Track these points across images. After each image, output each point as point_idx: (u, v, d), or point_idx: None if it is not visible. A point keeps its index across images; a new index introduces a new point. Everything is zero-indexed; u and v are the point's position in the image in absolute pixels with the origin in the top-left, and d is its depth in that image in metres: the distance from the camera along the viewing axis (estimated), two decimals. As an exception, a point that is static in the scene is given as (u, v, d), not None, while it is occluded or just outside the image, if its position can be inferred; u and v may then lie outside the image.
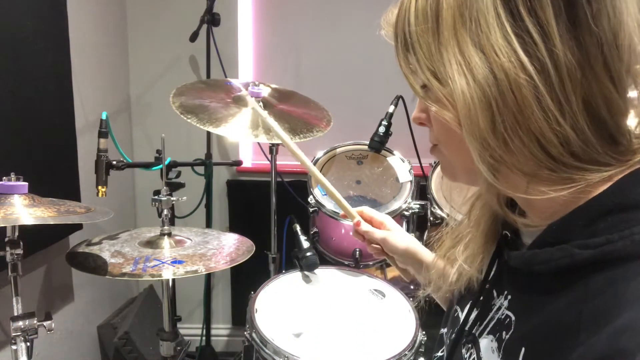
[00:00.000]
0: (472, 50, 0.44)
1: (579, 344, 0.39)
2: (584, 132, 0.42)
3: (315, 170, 1.00)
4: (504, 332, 0.50)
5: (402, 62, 0.52)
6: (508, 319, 0.51)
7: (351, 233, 1.01)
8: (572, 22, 0.42)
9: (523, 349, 0.46)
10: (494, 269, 0.58)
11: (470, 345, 0.57)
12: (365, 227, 0.96)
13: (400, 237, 0.93)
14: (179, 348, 1.35)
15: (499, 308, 0.53)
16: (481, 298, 0.58)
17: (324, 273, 1.43)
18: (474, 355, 0.55)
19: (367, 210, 1.00)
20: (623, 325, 0.37)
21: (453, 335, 0.62)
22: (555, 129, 0.42)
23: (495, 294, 0.56)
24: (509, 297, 0.53)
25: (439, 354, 0.67)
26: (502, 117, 0.43)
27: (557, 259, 0.44)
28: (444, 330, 0.68)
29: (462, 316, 0.61)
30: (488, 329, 0.54)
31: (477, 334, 0.56)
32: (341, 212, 1.01)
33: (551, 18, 0.41)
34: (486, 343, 0.53)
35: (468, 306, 0.61)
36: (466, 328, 0.59)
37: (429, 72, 0.48)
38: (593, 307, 0.40)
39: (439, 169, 1.57)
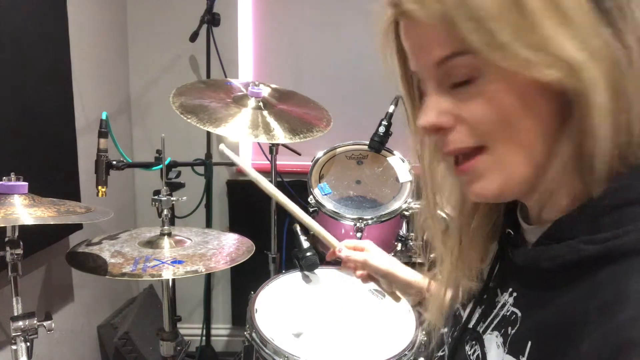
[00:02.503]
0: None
1: (587, 336, 0.39)
2: None
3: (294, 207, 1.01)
4: (509, 328, 0.50)
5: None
6: (514, 315, 0.51)
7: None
8: None
9: (529, 343, 0.46)
10: (496, 267, 0.58)
11: (474, 342, 0.56)
12: (345, 252, 0.98)
13: (381, 259, 0.96)
14: (179, 348, 1.36)
15: (504, 305, 0.53)
16: (485, 296, 0.58)
17: (324, 273, 1.43)
18: (478, 352, 0.55)
19: (348, 241, 1.02)
20: (631, 317, 0.37)
21: (455, 333, 0.62)
22: None
23: (499, 291, 0.56)
24: (514, 294, 0.52)
25: (439, 353, 0.66)
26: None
27: (564, 255, 0.44)
28: (444, 330, 0.68)
29: (464, 314, 0.61)
30: (493, 325, 0.54)
31: (481, 331, 0.56)
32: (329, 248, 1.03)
33: None
34: (491, 339, 0.53)
35: (471, 304, 0.60)
36: (469, 325, 0.59)
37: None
38: (600, 300, 0.40)
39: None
